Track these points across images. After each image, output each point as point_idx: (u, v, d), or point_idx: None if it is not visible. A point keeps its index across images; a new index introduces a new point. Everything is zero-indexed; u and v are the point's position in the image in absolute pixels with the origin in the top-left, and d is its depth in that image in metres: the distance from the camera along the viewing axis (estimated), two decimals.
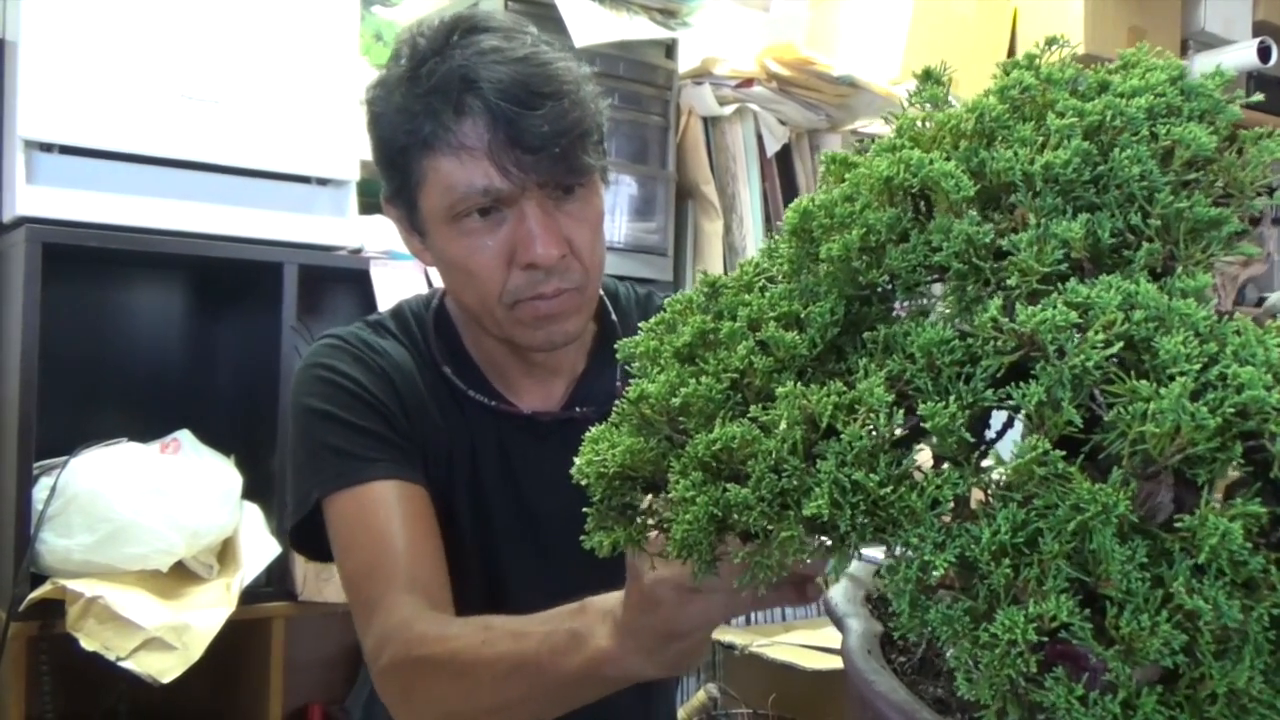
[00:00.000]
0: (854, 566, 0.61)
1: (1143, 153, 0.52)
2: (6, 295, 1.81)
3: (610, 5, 2.12)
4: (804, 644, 2.11)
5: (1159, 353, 0.44)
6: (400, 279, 1.98)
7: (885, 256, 0.53)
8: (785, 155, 2.40)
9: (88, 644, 1.58)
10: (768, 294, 0.58)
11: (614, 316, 1.22)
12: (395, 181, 1.08)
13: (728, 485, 0.51)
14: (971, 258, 0.50)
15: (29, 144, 1.71)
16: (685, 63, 2.33)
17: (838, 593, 0.62)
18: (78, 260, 2.00)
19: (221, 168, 1.85)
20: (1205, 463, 0.43)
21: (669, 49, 2.29)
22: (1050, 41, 0.60)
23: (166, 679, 1.58)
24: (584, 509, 0.98)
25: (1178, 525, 0.42)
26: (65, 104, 1.71)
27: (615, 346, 0.63)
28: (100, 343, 2.12)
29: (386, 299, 1.93)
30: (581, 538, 0.61)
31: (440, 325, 1.18)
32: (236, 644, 1.82)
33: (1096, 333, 0.45)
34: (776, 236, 0.61)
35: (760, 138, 2.34)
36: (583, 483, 0.60)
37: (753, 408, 0.53)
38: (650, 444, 0.57)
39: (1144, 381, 0.43)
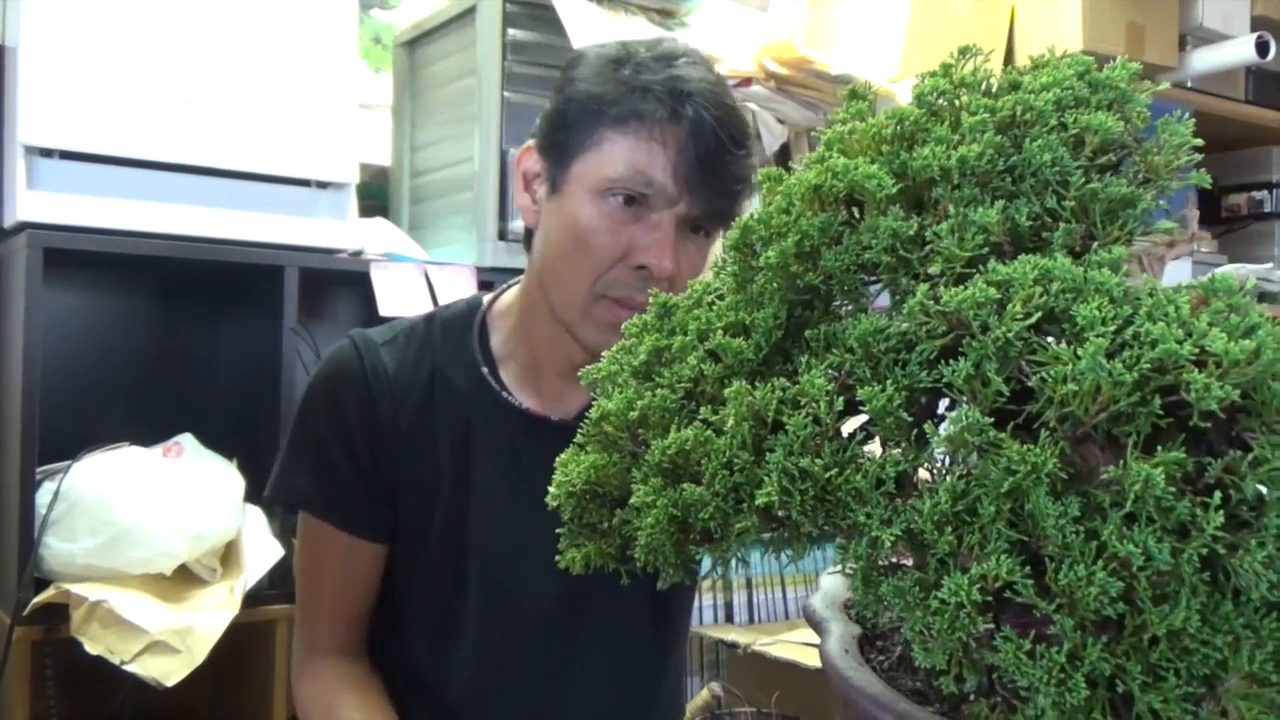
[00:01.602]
0: (833, 577, 0.64)
1: (1053, 141, 0.54)
2: (8, 300, 1.82)
3: (608, 6, 2.13)
4: (806, 642, 2.11)
5: (1076, 319, 0.46)
6: (401, 281, 1.98)
7: (820, 259, 0.56)
8: (784, 154, 2.40)
9: (92, 648, 1.58)
10: (714, 308, 0.61)
11: None
12: (560, 134, 1.10)
13: (684, 486, 0.54)
14: (899, 250, 0.53)
15: (29, 149, 1.71)
16: None
17: (817, 600, 0.64)
18: (79, 265, 2.01)
19: (221, 172, 1.85)
20: (1129, 419, 0.44)
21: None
22: (964, 51, 0.63)
23: (170, 682, 1.59)
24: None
25: (1105, 477, 0.44)
26: (65, 109, 1.71)
27: (579, 375, 0.66)
28: (102, 347, 2.12)
29: (387, 301, 1.93)
30: (556, 558, 0.63)
31: (483, 329, 1.21)
32: (240, 647, 1.82)
33: (1016, 306, 0.47)
34: (724, 256, 0.64)
35: (759, 136, 2.34)
36: (553, 505, 0.63)
37: (703, 409, 0.56)
38: (614, 459, 0.60)
39: (1064, 345, 0.46)
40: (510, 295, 1.22)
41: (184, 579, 1.75)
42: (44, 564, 1.67)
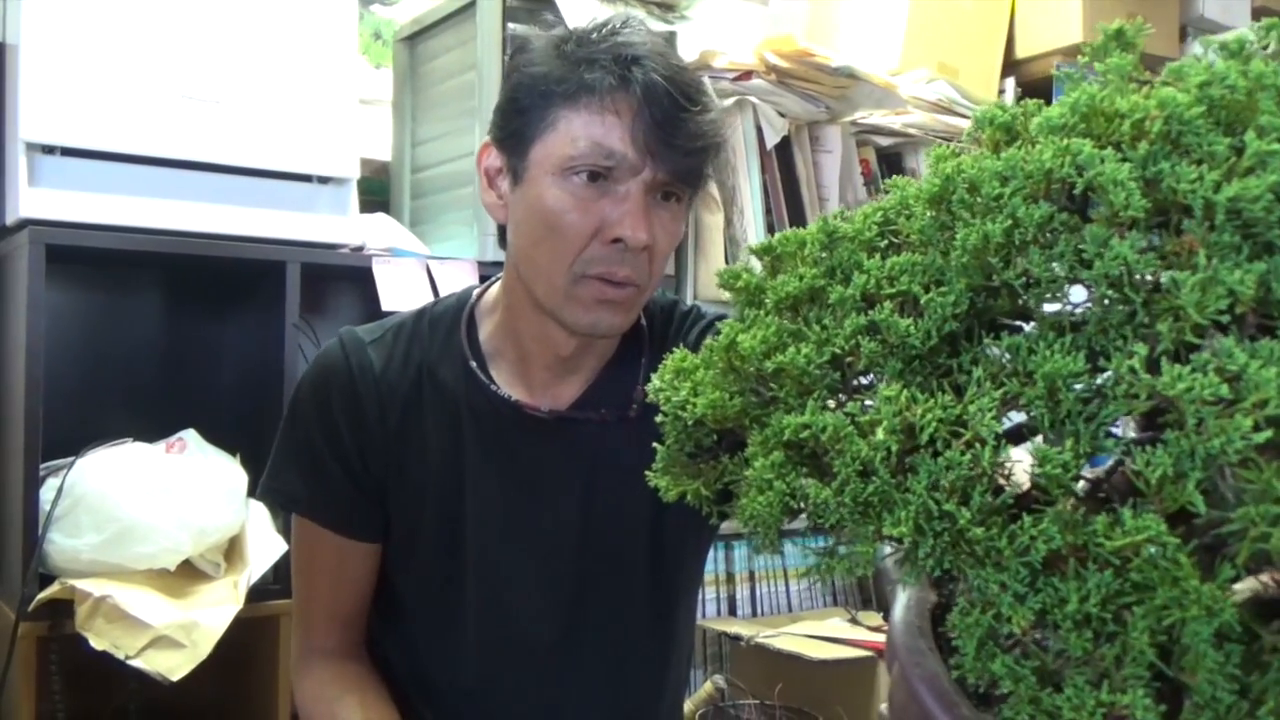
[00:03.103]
0: None
1: None
2: (11, 297, 1.82)
3: (607, 0, 2.13)
4: (809, 634, 2.12)
5: None
6: (403, 276, 1.98)
7: (1026, 257, 0.48)
8: (785, 147, 2.40)
9: (97, 643, 1.59)
10: (889, 262, 0.53)
11: (643, 321, 1.22)
12: (514, 124, 1.09)
13: (807, 479, 0.49)
14: (1124, 286, 0.45)
15: (31, 146, 1.71)
16: (684, 56, 2.31)
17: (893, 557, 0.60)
18: (81, 261, 2.01)
19: (223, 167, 1.85)
20: None
21: (667, 42, 2.29)
22: (1270, 29, 0.52)
23: (175, 677, 1.59)
24: (578, 515, 0.99)
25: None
26: (66, 106, 1.71)
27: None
28: (104, 343, 2.12)
29: (389, 296, 1.94)
30: (647, 473, 0.60)
31: (469, 322, 1.20)
32: (245, 641, 1.82)
33: (1245, 414, 0.40)
34: (911, 185, 0.56)
35: (760, 130, 2.34)
36: (659, 419, 0.58)
37: (850, 404, 0.50)
38: (734, 399, 0.54)
39: None
40: (495, 289, 1.22)
41: (188, 574, 1.75)
42: (48, 560, 1.68)
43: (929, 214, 0.53)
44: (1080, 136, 0.49)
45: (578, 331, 1.10)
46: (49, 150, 1.73)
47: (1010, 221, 0.48)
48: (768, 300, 0.56)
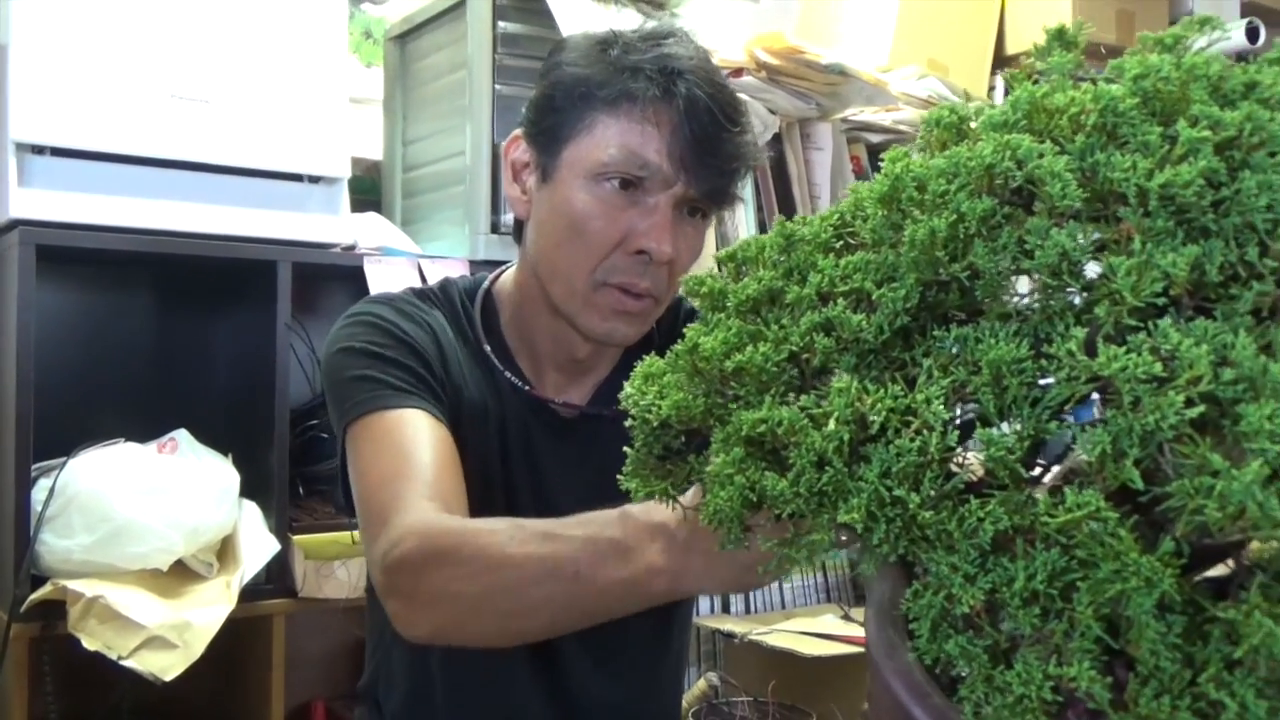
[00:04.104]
0: None
1: (1275, 180, 0.46)
2: (1, 298, 1.82)
3: None
4: (803, 631, 2.12)
5: (1241, 421, 0.40)
6: (395, 274, 1.98)
7: (971, 251, 0.49)
8: (776, 144, 2.40)
9: (89, 644, 1.59)
10: (843, 262, 0.55)
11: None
12: (548, 121, 1.08)
13: (766, 471, 0.50)
14: (1064, 273, 0.47)
15: (21, 147, 1.71)
16: None
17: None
18: (72, 261, 2.00)
19: (213, 167, 1.85)
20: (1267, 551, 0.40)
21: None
22: (1202, 23, 0.54)
23: (168, 677, 1.59)
24: (584, 511, 0.98)
25: (1221, 614, 0.40)
26: (57, 106, 1.71)
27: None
28: (96, 343, 2.12)
29: None
30: (619, 477, 0.61)
31: (485, 305, 1.19)
32: (237, 641, 1.82)
33: (1178, 391, 0.41)
34: (864, 188, 0.58)
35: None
36: (628, 423, 0.59)
37: (804, 398, 0.52)
38: (698, 400, 0.56)
39: (1217, 456, 0.40)
40: (508, 283, 1.21)
41: (180, 574, 1.75)
42: (40, 561, 1.68)
43: (880, 213, 0.54)
44: (1022, 132, 0.51)
45: (591, 338, 1.11)
46: (39, 150, 1.73)
47: (955, 216, 0.49)
48: (729, 303, 0.57)
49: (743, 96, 2.31)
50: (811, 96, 2.38)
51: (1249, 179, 0.46)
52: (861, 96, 2.45)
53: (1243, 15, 2.96)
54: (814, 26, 2.84)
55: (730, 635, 2.15)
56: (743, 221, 2.31)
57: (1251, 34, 2.78)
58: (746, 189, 2.32)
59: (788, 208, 2.39)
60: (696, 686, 2.02)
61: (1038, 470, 0.50)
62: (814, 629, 2.14)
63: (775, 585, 2.46)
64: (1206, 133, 0.47)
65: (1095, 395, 0.45)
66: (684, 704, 1.97)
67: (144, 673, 1.59)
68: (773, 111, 2.36)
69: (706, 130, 1.03)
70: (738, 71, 2.30)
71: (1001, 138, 0.50)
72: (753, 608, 2.42)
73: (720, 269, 0.62)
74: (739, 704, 1.95)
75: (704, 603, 2.35)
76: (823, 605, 2.49)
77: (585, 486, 1.16)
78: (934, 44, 2.76)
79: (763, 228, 2.32)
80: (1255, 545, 0.42)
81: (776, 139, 2.39)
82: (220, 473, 1.82)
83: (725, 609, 2.39)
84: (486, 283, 1.21)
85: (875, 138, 2.63)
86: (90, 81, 1.73)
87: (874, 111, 2.58)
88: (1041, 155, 0.48)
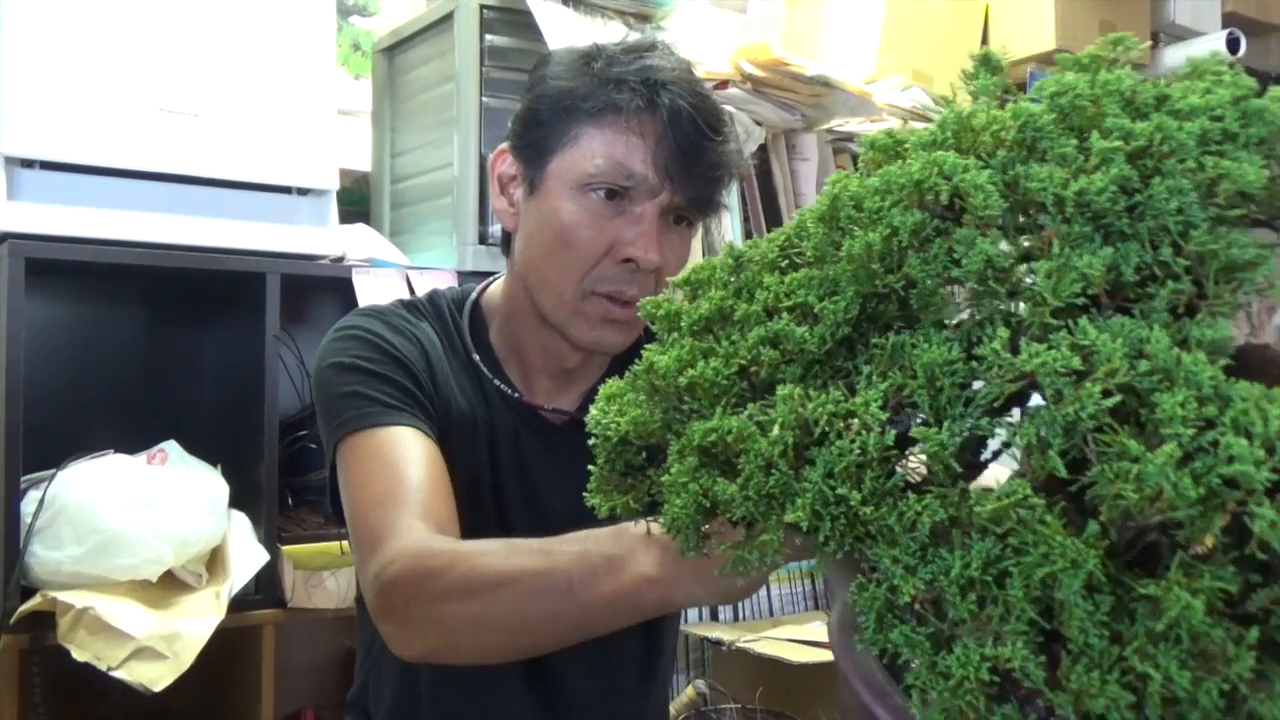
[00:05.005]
0: None
1: (1184, 185, 0.49)
2: None
3: (584, 11, 2.14)
4: (790, 638, 2.13)
5: (1157, 410, 0.43)
6: (383, 286, 1.99)
7: (905, 263, 0.52)
8: (762, 155, 2.42)
9: (79, 655, 1.59)
10: (787, 279, 0.58)
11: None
12: (534, 134, 1.09)
13: (719, 478, 0.52)
14: (989, 280, 0.50)
15: (10, 160, 1.72)
16: None
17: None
18: (61, 274, 2.01)
19: (202, 180, 1.86)
20: (1184, 526, 0.42)
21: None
22: (1116, 42, 0.57)
23: (158, 688, 1.59)
24: (573, 519, 0.99)
25: (1143, 591, 0.42)
26: (45, 120, 1.72)
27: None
28: (85, 356, 2.13)
29: None
30: (584, 494, 0.63)
31: (473, 316, 1.20)
32: (227, 652, 1.83)
33: (1096, 383, 0.44)
34: (806, 210, 0.60)
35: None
36: (591, 442, 0.61)
37: (750, 406, 0.54)
38: (655, 415, 0.58)
39: (1134, 441, 0.43)
40: (496, 294, 1.22)
41: (170, 585, 1.76)
42: (30, 572, 1.68)
43: (821, 231, 0.58)
44: (950, 150, 0.54)
45: (580, 347, 1.12)
46: (28, 164, 1.73)
47: (889, 230, 0.53)
48: (683, 323, 0.60)
49: (728, 108, 2.33)
50: (797, 108, 2.40)
51: (1160, 185, 0.49)
52: (846, 108, 2.46)
53: (1224, 26, 2.99)
54: (799, 39, 2.86)
55: (718, 643, 2.16)
56: (729, 233, 2.32)
57: (1232, 44, 2.81)
58: (733, 199, 2.34)
59: (774, 217, 2.41)
60: (685, 694, 2.03)
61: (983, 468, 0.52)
62: (801, 636, 2.15)
63: (763, 593, 2.47)
64: (1118, 143, 0.50)
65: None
66: (672, 711, 1.97)
67: (134, 683, 1.59)
68: (759, 123, 2.37)
69: (690, 139, 1.05)
70: (724, 83, 2.32)
71: (930, 155, 0.53)
72: (741, 615, 2.43)
73: (676, 292, 0.64)
74: (727, 711, 1.96)
75: (692, 610, 2.35)
76: (810, 613, 2.51)
77: (576, 492, 1.17)
78: (918, 56, 2.78)
79: (749, 237, 2.34)
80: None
81: (762, 149, 2.41)
82: (209, 484, 1.83)
83: (714, 616, 2.40)
84: (474, 293, 1.23)
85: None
86: (79, 95, 1.74)
87: (859, 122, 2.60)
88: (966, 170, 0.51)
